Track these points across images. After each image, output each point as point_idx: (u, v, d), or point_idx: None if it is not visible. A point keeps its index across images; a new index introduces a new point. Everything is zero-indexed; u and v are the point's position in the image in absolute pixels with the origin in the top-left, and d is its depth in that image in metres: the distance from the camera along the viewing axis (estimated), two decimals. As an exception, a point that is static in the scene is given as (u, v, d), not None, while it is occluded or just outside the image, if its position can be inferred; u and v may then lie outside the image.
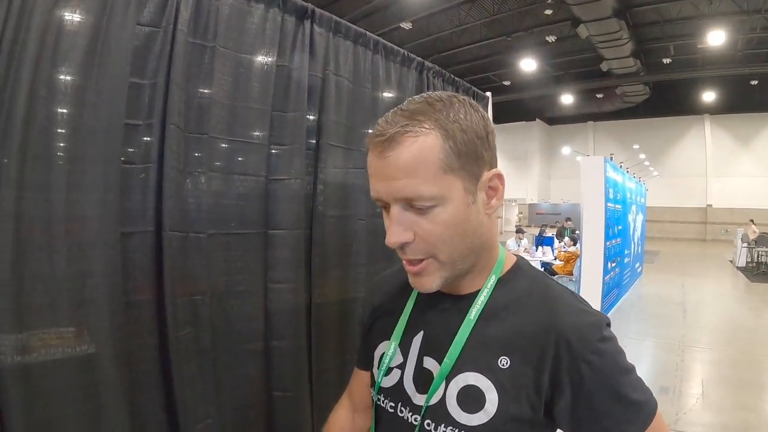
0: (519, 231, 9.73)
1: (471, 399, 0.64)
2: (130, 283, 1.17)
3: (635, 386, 0.62)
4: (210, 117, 1.31)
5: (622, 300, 7.52)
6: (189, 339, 1.24)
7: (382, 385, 0.74)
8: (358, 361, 0.89)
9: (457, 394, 0.65)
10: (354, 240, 1.68)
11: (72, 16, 1.10)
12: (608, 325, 0.65)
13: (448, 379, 0.66)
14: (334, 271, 1.62)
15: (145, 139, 1.20)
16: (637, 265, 9.68)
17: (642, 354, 4.95)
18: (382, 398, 0.74)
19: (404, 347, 0.74)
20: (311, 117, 1.56)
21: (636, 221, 8.94)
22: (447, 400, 0.66)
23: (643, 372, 0.76)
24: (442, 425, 0.65)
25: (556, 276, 7.05)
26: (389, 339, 0.76)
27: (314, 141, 1.57)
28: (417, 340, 0.72)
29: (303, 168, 1.49)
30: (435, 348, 0.70)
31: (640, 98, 19.89)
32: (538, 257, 8.35)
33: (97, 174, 1.11)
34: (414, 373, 0.71)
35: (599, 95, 20.10)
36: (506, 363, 0.63)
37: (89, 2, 1.11)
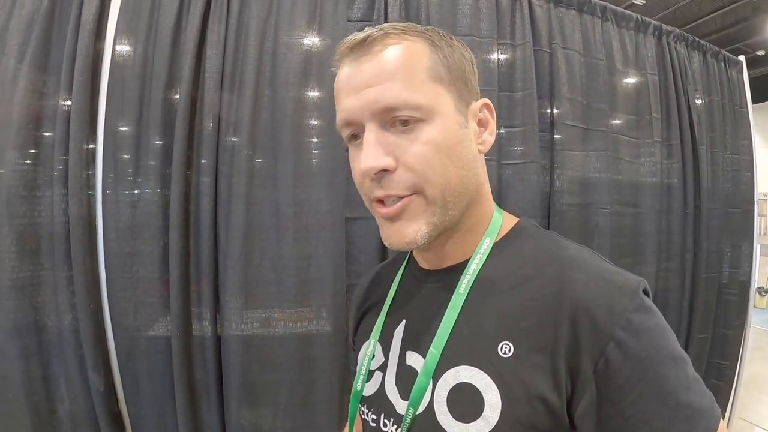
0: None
1: (465, 403, 0.47)
2: (353, 266, 1.23)
3: (689, 384, 0.42)
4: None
5: None
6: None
7: (364, 393, 0.58)
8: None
9: (447, 396, 0.48)
10: (596, 232, 1.49)
11: (289, 17, 1.20)
12: (645, 292, 0.45)
13: (435, 376, 0.49)
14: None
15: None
16: None
17: None
18: (365, 409, 0.58)
19: (385, 344, 0.58)
20: (542, 96, 1.42)
21: None
22: (435, 405, 0.48)
23: None
24: None
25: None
26: (369, 338, 0.60)
27: (548, 122, 1.43)
28: (398, 333, 0.56)
29: (537, 151, 1.37)
30: (418, 338, 0.53)
31: None
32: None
33: (325, 159, 1.20)
34: (396, 374, 0.54)
35: None
36: (509, 350, 0.46)
37: (301, 4, 1.21)
